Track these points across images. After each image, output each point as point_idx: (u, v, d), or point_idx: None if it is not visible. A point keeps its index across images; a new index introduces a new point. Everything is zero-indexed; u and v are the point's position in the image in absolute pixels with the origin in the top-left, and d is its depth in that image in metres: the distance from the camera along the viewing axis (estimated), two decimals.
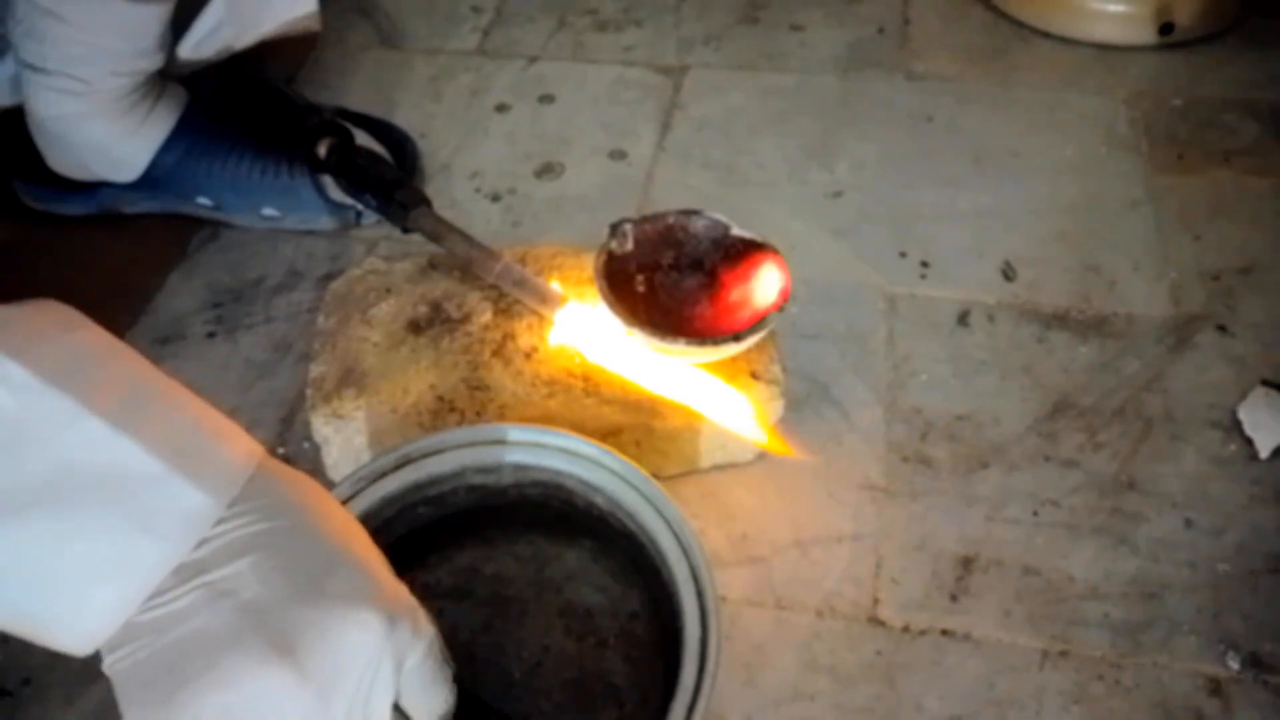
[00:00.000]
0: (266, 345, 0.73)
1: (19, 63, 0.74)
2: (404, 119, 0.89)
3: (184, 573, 0.34)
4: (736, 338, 0.58)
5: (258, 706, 0.34)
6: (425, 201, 0.69)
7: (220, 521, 0.35)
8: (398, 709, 0.38)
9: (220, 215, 0.81)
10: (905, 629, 0.57)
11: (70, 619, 0.33)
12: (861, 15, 1.03)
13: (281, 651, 0.34)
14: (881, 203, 0.82)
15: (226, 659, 0.34)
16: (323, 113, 0.77)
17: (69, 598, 0.33)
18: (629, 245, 0.62)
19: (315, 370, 0.63)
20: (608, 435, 0.59)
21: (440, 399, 0.60)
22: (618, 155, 0.88)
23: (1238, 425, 0.66)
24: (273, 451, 0.65)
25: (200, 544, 0.35)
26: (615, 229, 0.62)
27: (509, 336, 0.63)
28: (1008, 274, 0.76)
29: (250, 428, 0.67)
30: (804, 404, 0.67)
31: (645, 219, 0.63)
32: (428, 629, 0.39)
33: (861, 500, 0.63)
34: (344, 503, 0.50)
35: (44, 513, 0.33)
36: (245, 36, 0.83)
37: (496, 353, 0.62)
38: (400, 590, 0.39)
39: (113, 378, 0.35)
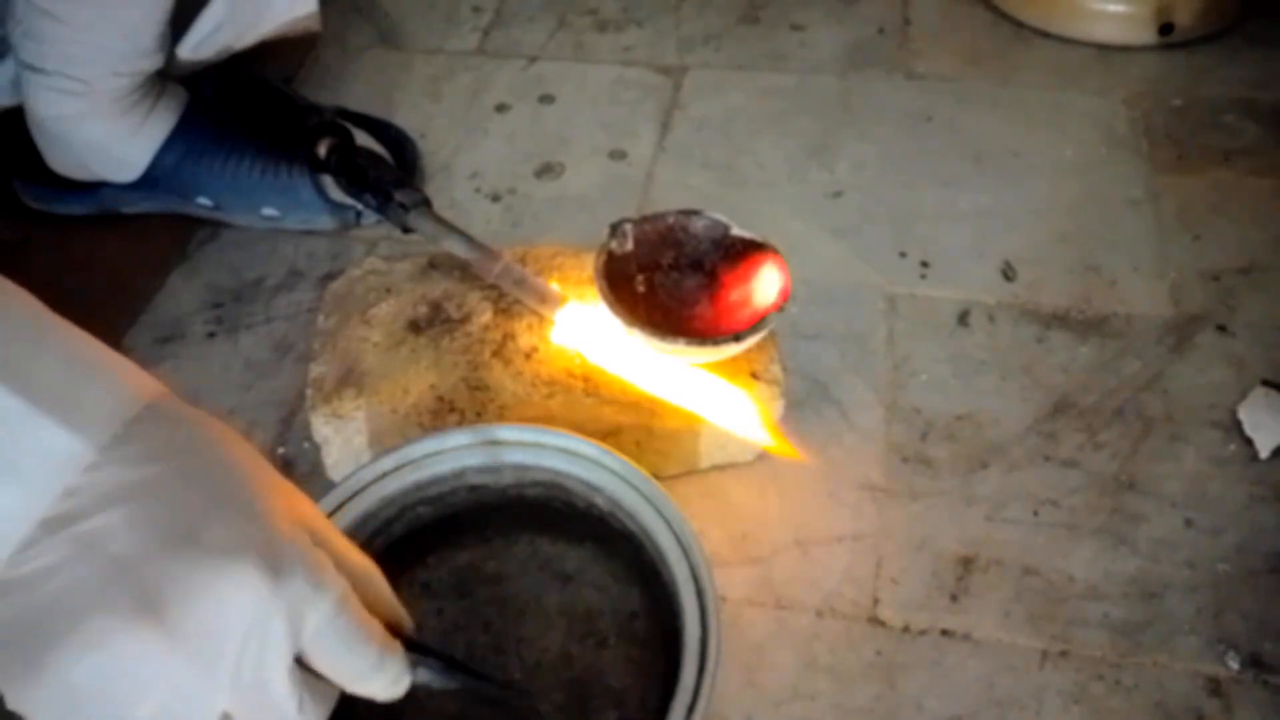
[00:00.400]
0: (266, 345, 0.73)
1: (19, 63, 0.74)
2: (404, 119, 0.89)
3: (53, 524, 0.31)
4: (736, 338, 0.58)
5: (129, 670, 0.31)
6: (425, 201, 0.69)
7: (94, 467, 0.32)
8: (318, 675, 0.35)
9: (220, 215, 0.81)
10: (905, 629, 0.57)
11: None
12: (861, 15, 1.03)
13: (148, 611, 0.31)
14: (881, 203, 0.82)
15: (92, 619, 0.31)
16: (323, 113, 0.77)
17: None
18: (629, 245, 0.62)
19: (315, 370, 0.63)
20: (608, 435, 0.59)
21: (440, 399, 0.60)
22: (618, 155, 0.88)
23: (1238, 425, 0.66)
24: (272, 451, 0.65)
25: (72, 492, 0.31)
26: (615, 229, 0.62)
27: (509, 336, 0.63)
28: (1008, 274, 0.76)
29: (250, 428, 0.68)
30: (804, 404, 0.67)
31: (645, 219, 0.63)
32: (335, 582, 0.35)
33: (861, 500, 0.63)
34: (343, 503, 0.50)
35: None
36: (245, 37, 0.83)
37: (496, 353, 0.62)
38: (299, 540, 0.34)
39: None
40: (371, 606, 0.37)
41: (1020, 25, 1.00)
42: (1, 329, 0.32)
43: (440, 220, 0.67)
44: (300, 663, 0.34)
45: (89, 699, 0.31)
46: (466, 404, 0.60)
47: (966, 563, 0.60)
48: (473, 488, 0.53)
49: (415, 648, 0.39)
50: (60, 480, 0.31)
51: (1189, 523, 0.61)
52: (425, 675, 0.39)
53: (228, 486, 0.34)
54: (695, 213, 0.63)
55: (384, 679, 0.37)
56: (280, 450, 0.66)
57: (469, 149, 0.89)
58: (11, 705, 0.31)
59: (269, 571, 0.32)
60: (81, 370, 0.33)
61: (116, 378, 0.34)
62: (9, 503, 0.31)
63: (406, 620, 0.40)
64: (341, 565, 0.37)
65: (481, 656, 0.51)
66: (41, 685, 0.31)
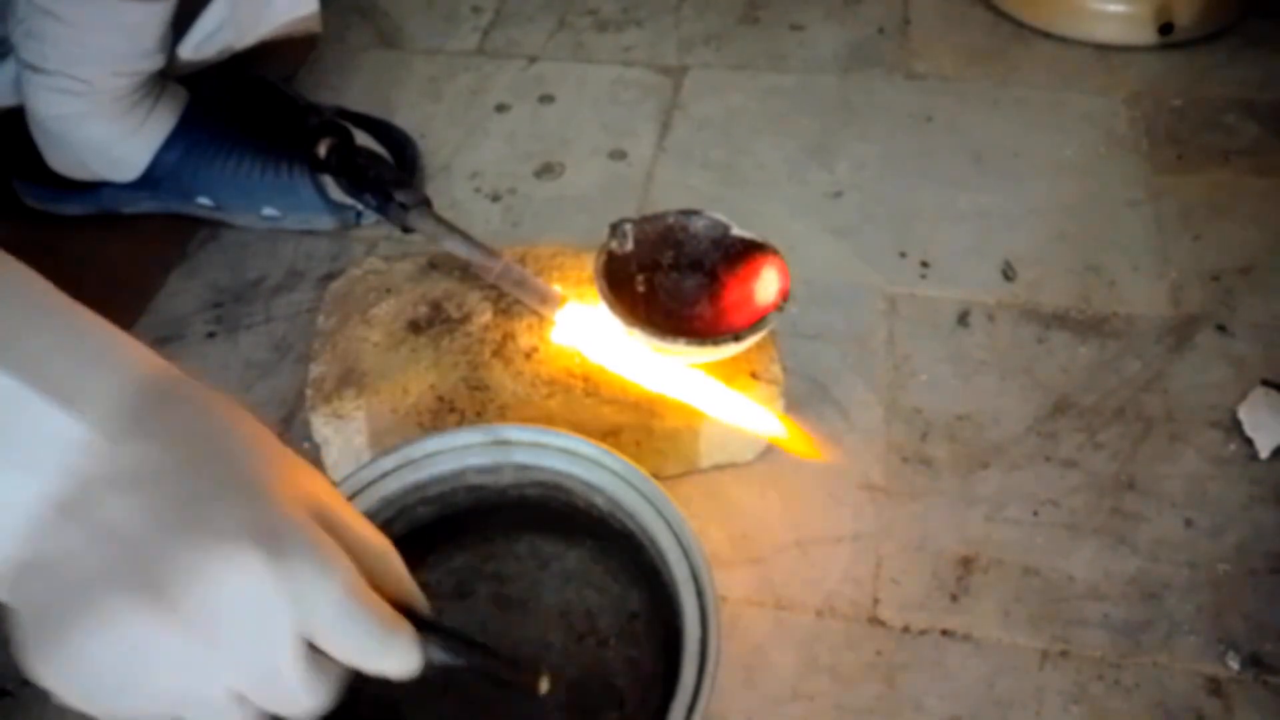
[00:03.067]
0: (266, 345, 0.73)
1: (19, 63, 0.74)
2: (404, 119, 0.89)
3: (68, 509, 0.32)
4: (736, 338, 0.58)
5: (138, 649, 0.32)
6: (425, 201, 0.69)
7: (110, 452, 0.32)
8: (324, 653, 0.35)
9: (220, 215, 0.81)
10: (905, 629, 0.57)
11: None
12: (861, 15, 1.03)
13: (153, 592, 0.31)
14: (881, 203, 0.82)
15: (106, 600, 0.31)
16: (323, 113, 0.77)
17: None
18: (629, 245, 0.62)
19: (315, 370, 0.63)
20: (608, 435, 0.59)
21: (440, 399, 0.60)
22: (618, 155, 0.88)
23: (1238, 425, 0.66)
24: None
25: (81, 475, 0.32)
26: (615, 229, 0.62)
27: (509, 336, 0.63)
28: (1008, 274, 0.76)
29: None
30: (804, 404, 0.67)
31: (645, 219, 0.63)
32: (340, 564, 0.34)
33: (861, 500, 0.63)
34: None
35: None
36: (246, 37, 0.83)
37: (496, 353, 0.62)
38: (302, 522, 0.34)
39: None
40: (385, 585, 0.37)
41: (1020, 25, 1.00)
42: (3, 314, 0.32)
43: (440, 220, 0.67)
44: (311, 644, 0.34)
45: (106, 676, 0.32)
46: (466, 404, 0.60)
47: (966, 563, 0.60)
48: (473, 488, 0.53)
49: (426, 626, 0.38)
50: (63, 464, 0.32)
51: (1189, 523, 0.61)
52: (437, 654, 0.38)
53: (234, 469, 0.34)
54: (695, 213, 0.63)
55: (392, 659, 0.36)
56: None
57: (469, 149, 0.89)
58: (41, 683, 0.33)
59: (268, 554, 0.32)
60: (83, 349, 0.33)
61: (118, 356, 0.34)
62: (13, 487, 0.31)
63: (420, 598, 0.40)
64: (354, 544, 0.36)
65: None
66: (65, 663, 0.32)
